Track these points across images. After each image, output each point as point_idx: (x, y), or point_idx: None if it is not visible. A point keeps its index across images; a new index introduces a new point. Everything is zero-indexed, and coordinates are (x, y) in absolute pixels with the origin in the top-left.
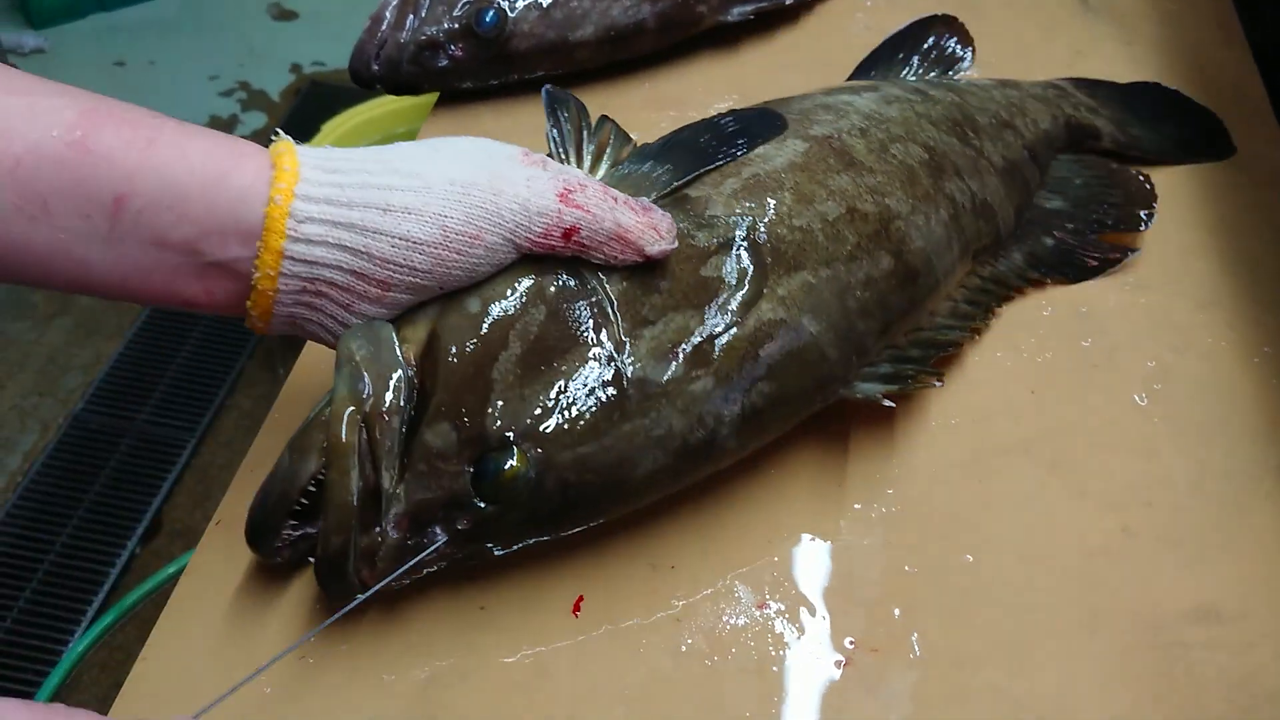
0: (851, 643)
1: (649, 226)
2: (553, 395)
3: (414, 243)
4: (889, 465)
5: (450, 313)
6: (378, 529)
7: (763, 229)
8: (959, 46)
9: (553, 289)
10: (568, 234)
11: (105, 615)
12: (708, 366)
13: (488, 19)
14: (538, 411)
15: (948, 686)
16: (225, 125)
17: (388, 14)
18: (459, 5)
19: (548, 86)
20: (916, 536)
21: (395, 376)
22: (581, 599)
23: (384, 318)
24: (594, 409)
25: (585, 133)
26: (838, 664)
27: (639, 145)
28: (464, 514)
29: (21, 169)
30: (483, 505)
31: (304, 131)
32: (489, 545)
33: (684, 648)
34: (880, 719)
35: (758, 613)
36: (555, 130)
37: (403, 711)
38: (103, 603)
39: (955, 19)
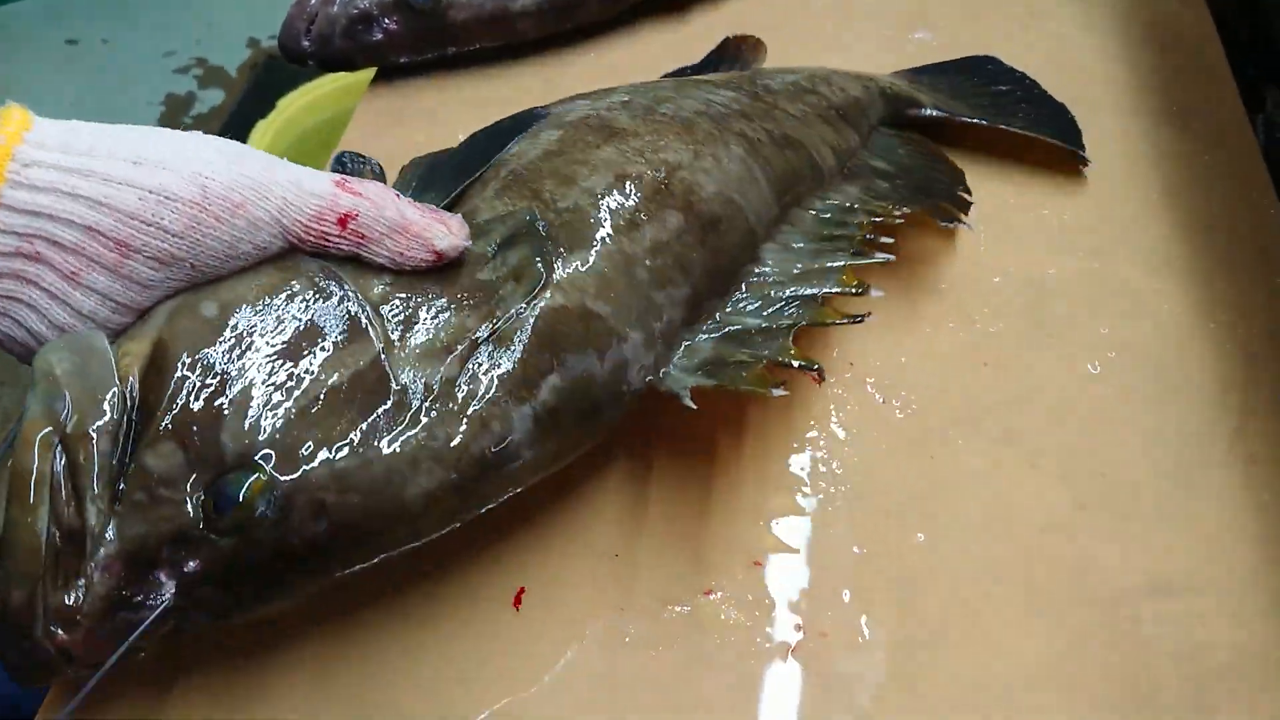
0: (799, 627)
1: (436, 220)
2: (301, 402)
3: (167, 198)
4: (838, 444)
5: (180, 317)
6: (80, 580)
7: (533, 221)
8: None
9: (301, 293)
10: (344, 220)
11: None
12: (486, 363)
13: None
14: (283, 421)
15: (898, 668)
16: (182, 102)
17: None
18: None
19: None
20: (866, 516)
21: (108, 393)
22: (523, 591)
23: (115, 295)
24: (352, 416)
25: None
26: (785, 650)
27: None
28: (195, 552)
29: None
30: (218, 539)
31: (261, 107)
32: (223, 603)
33: (628, 637)
34: (829, 703)
35: (703, 599)
36: None
37: (339, 712)
38: None
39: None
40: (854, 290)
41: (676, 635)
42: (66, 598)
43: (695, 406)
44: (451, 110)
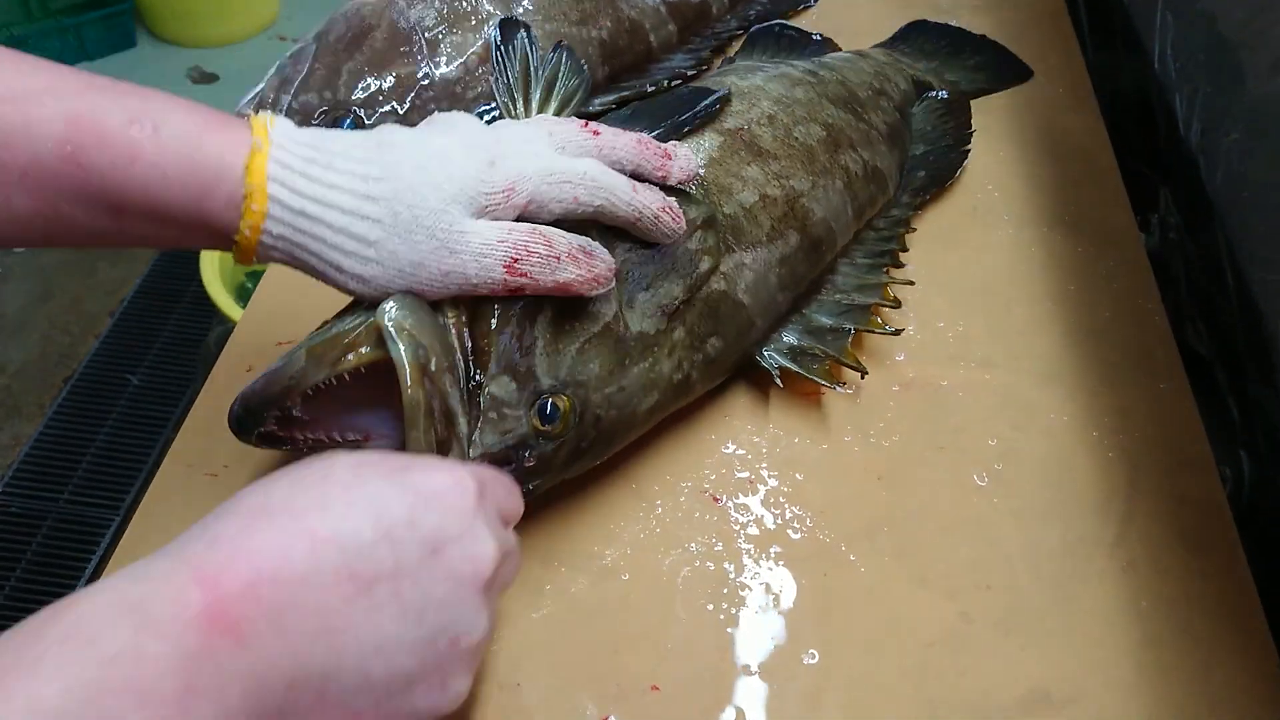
0: None
1: (589, 279)
2: (582, 349)
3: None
4: (738, 564)
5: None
6: None
7: (720, 211)
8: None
9: None
10: (513, 292)
11: None
12: (682, 322)
13: (344, 128)
14: (572, 363)
15: None
16: None
17: None
18: (315, 115)
19: (499, 22)
20: (760, 636)
21: (447, 341)
22: None
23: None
24: (611, 358)
25: (532, 71)
26: None
27: (591, 91)
28: (529, 449)
29: (28, 178)
30: (542, 441)
31: None
32: (539, 482)
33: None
34: None
35: None
36: (500, 78)
37: None
38: None
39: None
40: (891, 305)
41: None
42: None
43: (782, 385)
44: None
